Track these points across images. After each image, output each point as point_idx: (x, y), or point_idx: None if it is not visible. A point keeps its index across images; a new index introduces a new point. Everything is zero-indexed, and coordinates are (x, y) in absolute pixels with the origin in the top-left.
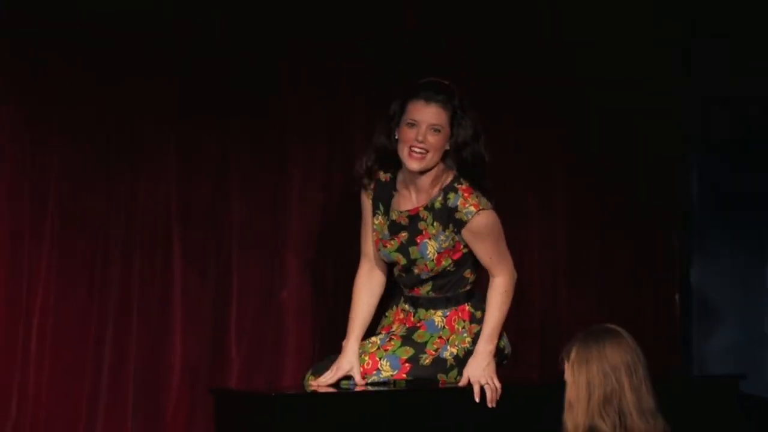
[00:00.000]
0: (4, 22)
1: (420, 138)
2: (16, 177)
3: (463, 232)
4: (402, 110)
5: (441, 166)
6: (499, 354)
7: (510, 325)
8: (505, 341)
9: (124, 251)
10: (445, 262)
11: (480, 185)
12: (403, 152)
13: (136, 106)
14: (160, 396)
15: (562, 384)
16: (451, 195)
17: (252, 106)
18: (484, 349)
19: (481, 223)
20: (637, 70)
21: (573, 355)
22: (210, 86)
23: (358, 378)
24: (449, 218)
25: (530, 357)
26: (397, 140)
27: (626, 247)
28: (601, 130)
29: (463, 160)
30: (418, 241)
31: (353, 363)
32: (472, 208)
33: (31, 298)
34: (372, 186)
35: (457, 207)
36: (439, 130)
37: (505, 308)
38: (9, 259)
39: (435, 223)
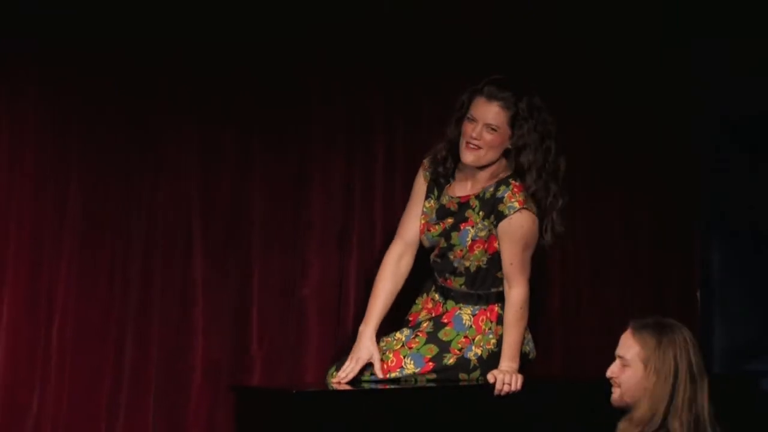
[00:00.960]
0: (28, 27)
1: (475, 134)
2: (37, 176)
3: (500, 226)
4: (468, 103)
5: (502, 163)
6: (522, 358)
7: (531, 323)
8: (530, 346)
9: (144, 249)
10: (478, 252)
11: (539, 195)
12: (462, 144)
13: (157, 104)
14: (181, 394)
15: (587, 381)
16: (503, 187)
17: (273, 103)
18: (509, 367)
19: (519, 221)
20: (653, 67)
21: (655, 340)
22: (231, 84)
23: (377, 366)
24: (493, 209)
25: (552, 353)
26: (460, 132)
27: (647, 243)
28: (623, 125)
29: (519, 164)
30: (461, 227)
31: (371, 350)
32: (516, 204)
33: (52, 296)
34: (433, 170)
35: (503, 199)
36: (496, 130)
37: (522, 324)
38: (30, 257)
39: (480, 213)
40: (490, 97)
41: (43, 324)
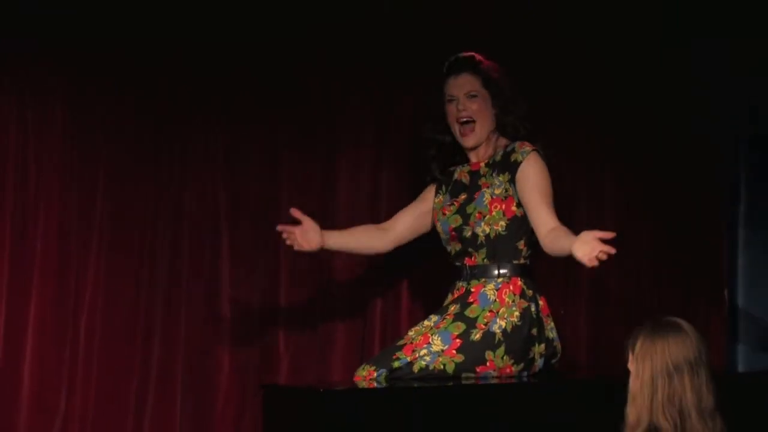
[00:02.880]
0: (56, 27)
1: (461, 107)
2: (65, 174)
3: (518, 175)
4: (443, 90)
5: (497, 135)
6: (546, 344)
7: (558, 317)
8: (554, 335)
9: (172, 247)
10: (496, 213)
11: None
12: (456, 132)
13: (185, 102)
14: (208, 392)
15: (618, 377)
16: (511, 146)
17: (300, 102)
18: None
19: (536, 162)
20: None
21: (638, 347)
22: (258, 83)
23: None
24: (506, 164)
25: (580, 349)
26: (449, 125)
27: (677, 239)
28: (651, 120)
29: (509, 124)
30: (476, 196)
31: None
32: (528, 148)
33: (79, 293)
34: (432, 176)
35: (514, 149)
36: (476, 95)
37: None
38: (57, 255)
39: (493, 174)
40: (458, 71)
41: (70, 323)
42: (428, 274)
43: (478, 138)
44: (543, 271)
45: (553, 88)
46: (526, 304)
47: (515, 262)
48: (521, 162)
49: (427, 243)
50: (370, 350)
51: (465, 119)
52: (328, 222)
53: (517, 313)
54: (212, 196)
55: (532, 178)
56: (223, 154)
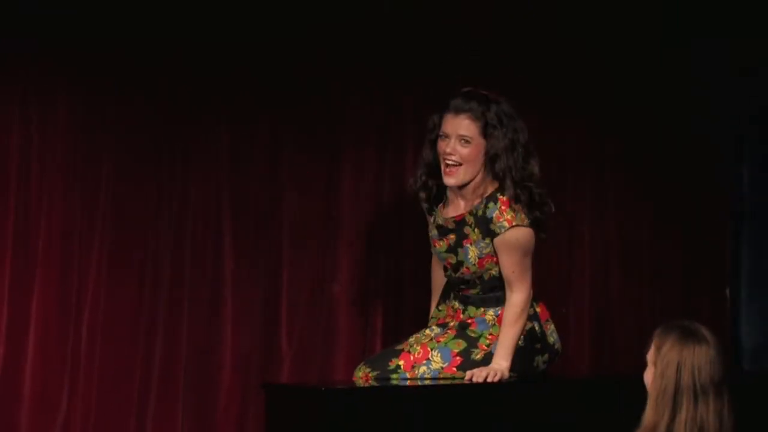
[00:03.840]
0: (57, 27)
1: (449, 150)
2: (67, 173)
3: (495, 242)
4: (439, 122)
5: (483, 175)
6: (549, 351)
7: (559, 317)
8: (555, 337)
9: (174, 247)
10: (488, 266)
11: (521, 199)
12: (441, 166)
13: (187, 102)
14: (211, 391)
15: (618, 377)
16: (491, 205)
17: (303, 101)
18: (498, 365)
19: (512, 236)
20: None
21: (665, 350)
22: (259, 83)
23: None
24: (487, 228)
25: (581, 348)
26: (435, 154)
27: (679, 237)
28: (652, 120)
29: (496, 174)
30: (464, 244)
31: None
32: (505, 224)
33: (81, 292)
34: (425, 196)
35: (492, 219)
36: (469, 142)
37: (520, 324)
38: (60, 254)
39: (476, 230)
40: (458, 110)
41: (72, 322)
42: (430, 271)
43: (460, 180)
44: (544, 270)
45: (553, 88)
46: (529, 325)
47: None
48: (498, 234)
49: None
50: (373, 349)
51: (452, 162)
52: (330, 222)
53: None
54: (215, 196)
55: (507, 253)
56: (225, 155)
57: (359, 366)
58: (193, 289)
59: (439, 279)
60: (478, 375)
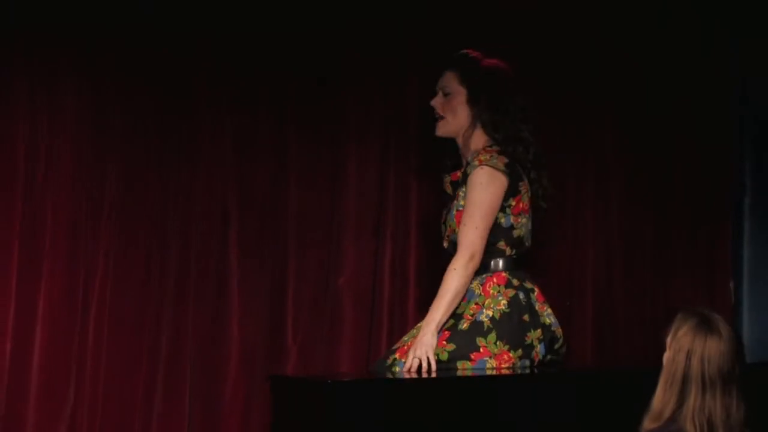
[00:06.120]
0: (67, 22)
1: (433, 103)
2: (73, 168)
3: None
4: None
5: (476, 132)
6: (543, 329)
7: (564, 309)
8: (552, 320)
9: (180, 239)
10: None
11: (506, 150)
12: None
13: (193, 96)
14: (217, 384)
15: (621, 370)
16: (475, 156)
17: (308, 93)
18: (427, 318)
19: (475, 175)
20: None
21: (679, 336)
22: (266, 73)
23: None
24: (465, 177)
25: (584, 341)
26: None
27: (682, 232)
28: (657, 113)
29: (486, 123)
30: (451, 206)
31: None
32: (476, 162)
33: (88, 285)
34: (444, 178)
35: (471, 162)
36: (449, 93)
37: (451, 284)
38: (67, 247)
39: (463, 187)
40: (445, 66)
41: (79, 313)
42: (436, 264)
43: (445, 132)
44: (546, 263)
45: (552, 86)
46: (513, 293)
47: (498, 258)
48: (468, 175)
49: (434, 234)
50: (378, 343)
51: (437, 116)
52: (336, 215)
53: (504, 302)
54: (220, 188)
55: (468, 196)
56: (231, 146)
57: (390, 357)
58: (199, 282)
59: None
60: (408, 367)
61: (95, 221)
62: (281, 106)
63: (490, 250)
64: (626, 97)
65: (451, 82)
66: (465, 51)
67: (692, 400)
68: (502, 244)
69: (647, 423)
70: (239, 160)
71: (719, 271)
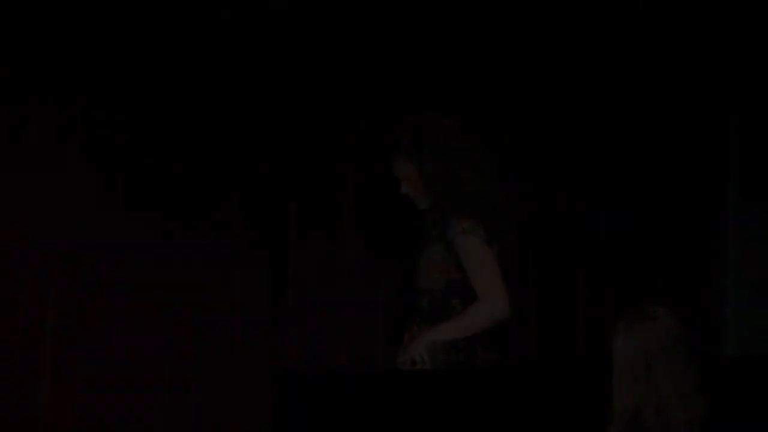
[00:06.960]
0: (77, 40)
1: (402, 190)
2: (78, 171)
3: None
4: None
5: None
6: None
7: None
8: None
9: (184, 229)
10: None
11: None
12: None
13: (197, 96)
14: (220, 377)
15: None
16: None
17: (309, 91)
18: (435, 328)
19: (462, 246)
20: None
21: (618, 340)
22: (267, 73)
23: None
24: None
25: (576, 334)
26: None
27: (669, 223)
28: (643, 106)
29: (436, 195)
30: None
31: None
32: (457, 229)
33: (95, 278)
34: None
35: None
36: (408, 178)
37: (467, 321)
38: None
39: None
40: (390, 155)
41: (87, 306)
42: None
43: (421, 205)
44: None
45: (549, 84)
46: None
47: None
48: (453, 239)
49: None
50: (382, 336)
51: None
52: (338, 207)
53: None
54: (222, 184)
55: (463, 259)
56: (229, 150)
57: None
58: (201, 274)
59: None
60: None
61: (101, 217)
62: (282, 104)
63: (448, 306)
64: (611, 91)
65: (399, 169)
66: (406, 123)
67: (641, 383)
68: (456, 302)
69: (613, 428)
70: (241, 154)
71: (705, 262)
